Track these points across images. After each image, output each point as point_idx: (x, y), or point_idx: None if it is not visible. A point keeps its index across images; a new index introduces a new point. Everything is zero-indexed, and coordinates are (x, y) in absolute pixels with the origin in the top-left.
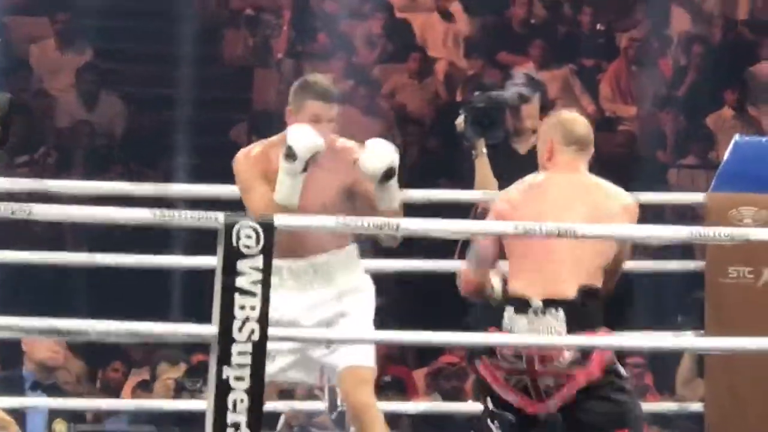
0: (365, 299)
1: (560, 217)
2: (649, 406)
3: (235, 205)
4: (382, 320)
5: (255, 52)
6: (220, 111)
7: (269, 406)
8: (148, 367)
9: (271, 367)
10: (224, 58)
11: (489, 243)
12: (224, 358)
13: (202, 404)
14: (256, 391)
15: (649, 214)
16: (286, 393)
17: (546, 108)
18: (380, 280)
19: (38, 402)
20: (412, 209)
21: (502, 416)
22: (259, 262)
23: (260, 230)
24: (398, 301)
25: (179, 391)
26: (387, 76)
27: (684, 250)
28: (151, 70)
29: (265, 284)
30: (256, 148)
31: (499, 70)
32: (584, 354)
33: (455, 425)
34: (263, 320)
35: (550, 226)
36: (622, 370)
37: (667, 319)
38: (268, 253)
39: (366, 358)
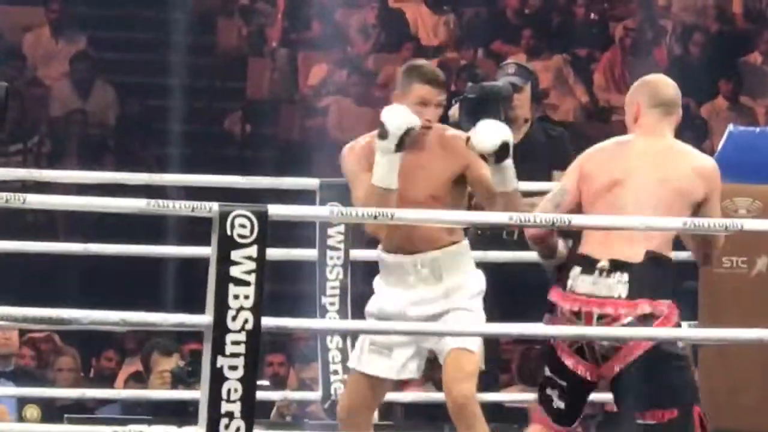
0: (471, 295)
1: (631, 181)
2: None
3: (229, 194)
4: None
5: (249, 41)
6: (214, 100)
7: (262, 395)
8: (141, 356)
9: (391, 363)
10: (218, 47)
11: (573, 188)
12: (218, 348)
13: (196, 394)
14: (250, 380)
15: None
16: (279, 382)
17: (538, 98)
18: None
19: (30, 392)
20: None
21: (558, 383)
22: (253, 251)
23: (254, 220)
24: None
25: (175, 382)
26: (381, 66)
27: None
28: (144, 58)
29: (260, 274)
30: (361, 140)
31: (493, 60)
32: (645, 318)
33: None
34: (257, 310)
35: (546, 218)
36: (680, 344)
37: None
38: (262, 242)
39: (472, 344)
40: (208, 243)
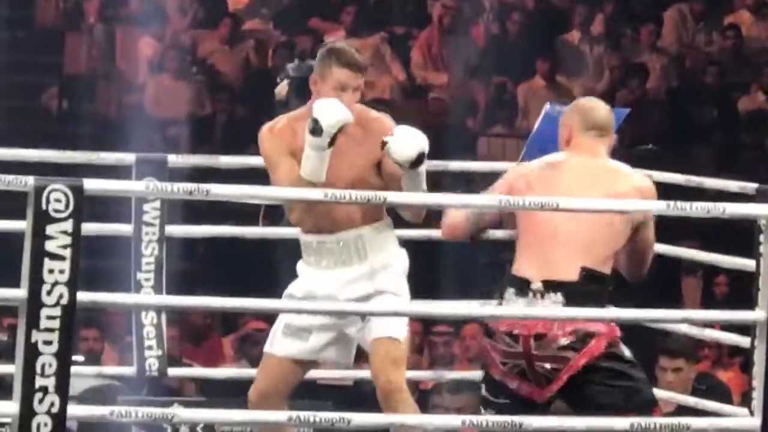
0: (397, 275)
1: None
2: None
3: (48, 170)
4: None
5: (67, 15)
6: (31, 75)
7: (76, 369)
8: None
9: (305, 345)
10: (36, 22)
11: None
12: (33, 322)
13: (11, 368)
14: (65, 354)
15: (460, 182)
16: (94, 357)
17: None
18: None
19: None
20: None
21: (497, 404)
22: (68, 225)
23: (70, 194)
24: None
25: None
26: (198, 42)
27: None
28: None
29: (75, 248)
30: (281, 121)
31: (311, 37)
32: (582, 339)
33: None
34: (72, 284)
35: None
36: (627, 353)
37: None
38: (77, 217)
39: (397, 331)
40: (23, 218)
